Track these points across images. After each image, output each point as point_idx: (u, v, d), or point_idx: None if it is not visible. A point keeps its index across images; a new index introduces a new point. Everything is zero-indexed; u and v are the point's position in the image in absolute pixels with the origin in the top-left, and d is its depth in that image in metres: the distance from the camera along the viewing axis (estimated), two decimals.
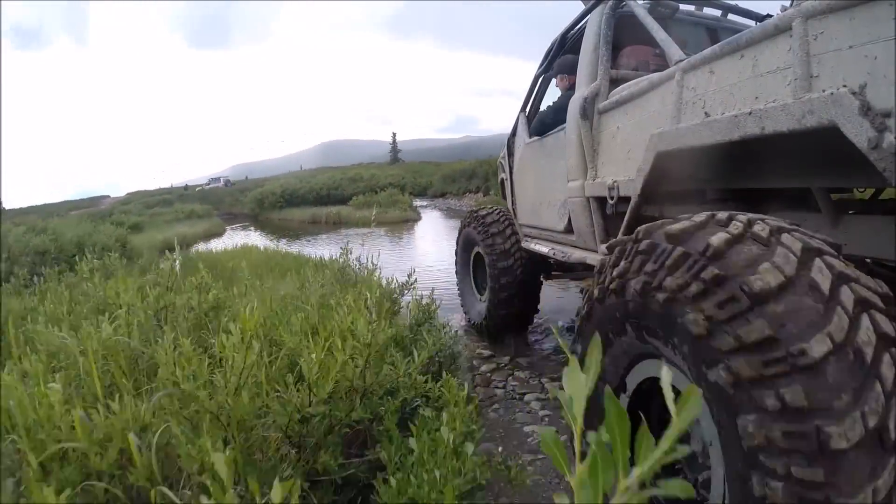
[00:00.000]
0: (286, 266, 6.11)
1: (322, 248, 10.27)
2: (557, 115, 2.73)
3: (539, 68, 3.24)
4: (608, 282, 1.32)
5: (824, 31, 1.02)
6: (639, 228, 1.28)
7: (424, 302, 2.73)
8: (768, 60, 1.18)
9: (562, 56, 2.91)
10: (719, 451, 1.03)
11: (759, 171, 1.46)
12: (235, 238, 15.28)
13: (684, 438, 1.36)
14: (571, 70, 2.70)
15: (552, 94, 3.13)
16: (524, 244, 3.45)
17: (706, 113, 1.39)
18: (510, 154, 3.64)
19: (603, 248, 2.22)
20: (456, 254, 4.48)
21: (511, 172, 3.62)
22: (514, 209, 3.63)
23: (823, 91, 0.99)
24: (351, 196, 21.24)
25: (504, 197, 3.93)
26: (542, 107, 3.33)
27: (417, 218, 16.84)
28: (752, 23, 2.65)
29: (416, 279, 3.15)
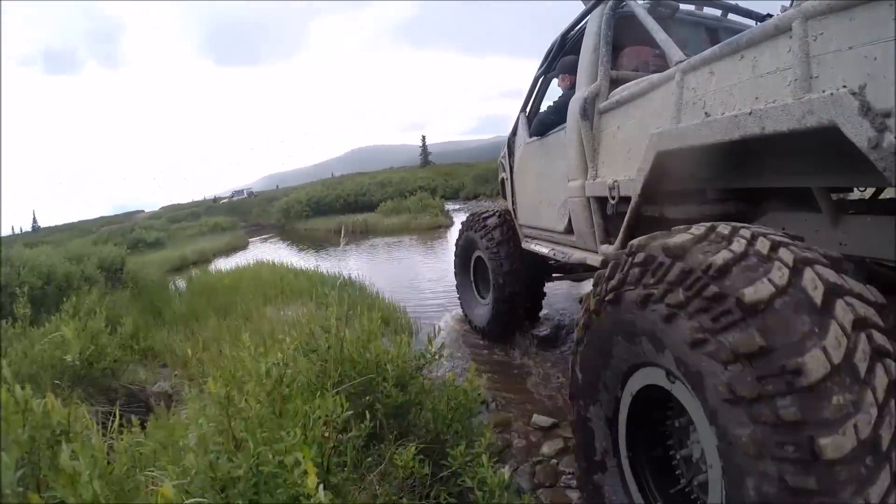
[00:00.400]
0: (295, 287, 5.85)
1: (343, 262, 9.74)
2: (557, 115, 2.73)
3: (539, 69, 3.24)
4: (604, 294, 1.33)
5: (824, 31, 1.02)
6: (633, 243, 1.30)
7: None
8: (768, 61, 1.19)
9: (563, 56, 2.91)
10: (717, 457, 1.03)
11: (759, 170, 1.46)
12: (256, 252, 14.52)
13: (683, 443, 1.36)
14: (573, 70, 2.71)
15: (552, 95, 3.14)
16: (524, 244, 3.45)
17: (706, 113, 1.39)
18: (510, 154, 3.65)
19: (605, 248, 2.22)
20: (455, 256, 4.49)
21: (511, 172, 3.62)
22: (514, 209, 3.63)
23: (823, 91, 0.99)
24: (380, 202, 19.84)
25: (504, 197, 3.94)
26: (543, 107, 3.33)
27: (449, 223, 15.02)
28: (752, 23, 2.65)
29: (442, 343, 2.47)
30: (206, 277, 7.82)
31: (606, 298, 1.32)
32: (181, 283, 7.82)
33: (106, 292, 5.49)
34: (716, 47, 1.38)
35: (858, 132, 0.90)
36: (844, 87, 0.95)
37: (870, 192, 2.05)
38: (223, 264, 11.36)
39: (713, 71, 1.39)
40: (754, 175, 1.49)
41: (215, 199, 46.51)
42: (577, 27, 2.70)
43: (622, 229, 1.91)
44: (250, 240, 19.72)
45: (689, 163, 1.49)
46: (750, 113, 1.15)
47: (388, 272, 8.06)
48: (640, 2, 2.22)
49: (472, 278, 4.29)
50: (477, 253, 4.03)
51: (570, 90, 2.76)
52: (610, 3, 2.25)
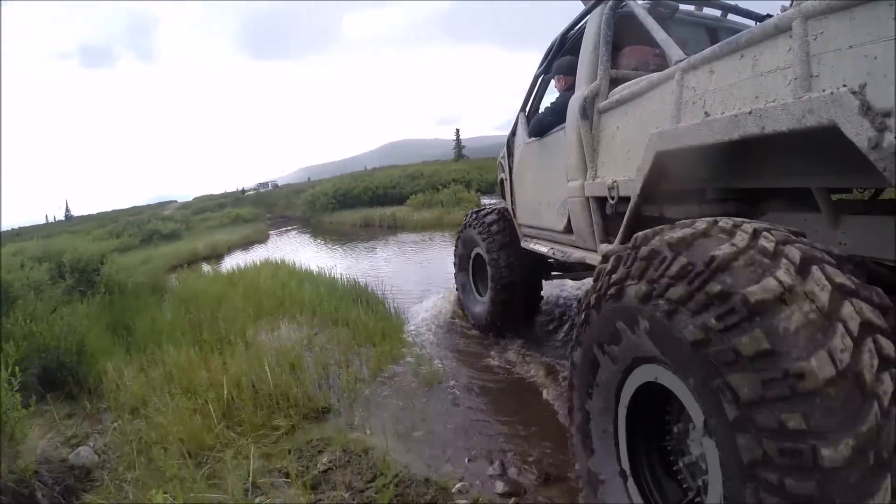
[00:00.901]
0: (296, 298, 5.10)
1: (365, 261, 8.83)
2: (555, 116, 2.73)
3: (539, 68, 3.24)
4: (605, 288, 1.32)
5: (824, 31, 1.02)
6: (637, 235, 1.29)
7: None
8: (768, 60, 1.18)
9: (561, 57, 2.91)
10: (717, 459, 1.03)
11: (759, 170, 1.46)
12: (273, 247, 13.65)
13: (683, 445, 1.36)
14: (569, 71, 2.71)
15: (552, 95, 3.13)
16: (523, 244, 3.46)
17: (706, 112, 1.38)
18: (510, 154, 3.65)
19: (604, 248, 2.22)
20: (455, 254, 4.52)
21: (510, 172, 3.63)
22: (513, 209, 3.64)
23: (823, 91, 0.99)
24: (410, 195, 18.33)
25: (503, 197, 3.94)
26: (542, 107, 3.33)
27: None
28: (752, 23, 2.65)
29: None
30: (196, 282, 6.84)
31: (608, 293, 1.31)
32: (178, 283, 7.15)
33: (64, 301, 4.73)
34: (716, 46, 1.38)
35: (858, 132, 0.90)
36: (844, 86, 0.94)
37: (870, 192, 2.05)
38: (235, 260, 10.49)
39: (713, 70, 1.39)
40: (754, 175, 1.48)
41: (243, 191, 46.40)
42: (577, 27, 2.69)
43: (621, 229, 1.91)
44: (271, 232, 18.84)
45: (688, 163, 1.49)
46: (750, 112, 1.15)
47: (415, 276, 6.98)
48: (640, 2, 2.22)
49: (471, 275, 4.32)
50: (476, 250, 4.06)
51: (566, 91, 2.76)
52: (610, 2, 2.25)
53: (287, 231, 19.07)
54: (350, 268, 7.75)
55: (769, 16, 2.43)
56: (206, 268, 10.73)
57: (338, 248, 11.57)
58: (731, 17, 2.75)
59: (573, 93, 2.41)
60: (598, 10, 2.34)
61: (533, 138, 3.07)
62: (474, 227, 3.94)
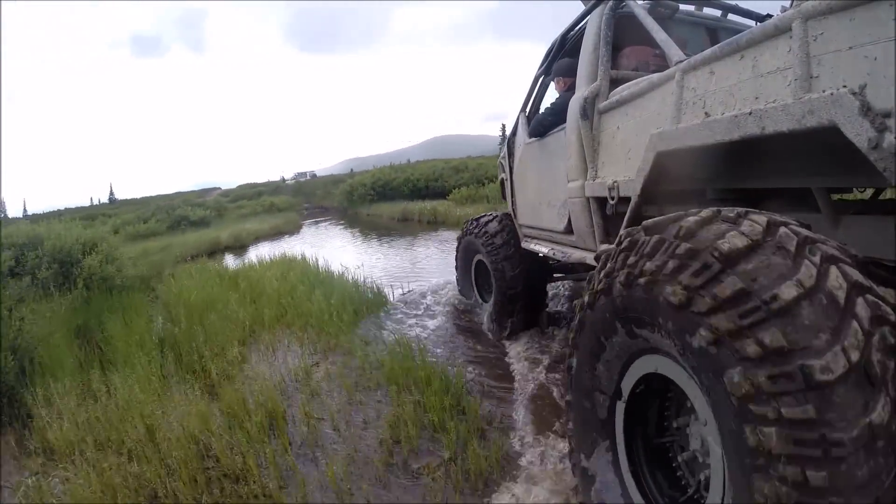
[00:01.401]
0: (304, 310, 4.24)
1: (395, 258, 7.85)
2: (555, 117, 2.73)
3: (539, 69, 3.24)
4: (596, 286, 1.33)
5: (824, 31, 1.02)
6: (621, 233, 1.31)
7: None
8: (768, 61, 1.18)
9: (560, 58, 2.92)
10: (720, 453, 1.03)
11: (759, 171, 1.46)
12: (302, 238, 12.84)
13: (683, 443, 1.36)
14: (568, 73, 2.72)
15: (552, 95, 3.14)
16: (524, 244, 3.46)
17: (706, 113, 1.39)
18: (510, 154, 3.65)
19: (605, 248, 2.22)
20: (456, 260, 4.54)
21: (511, 173, 3.63)
22: (513, 209, 3.65)
23: (823, 91, 0.99)
24: (453, 189, 16.95)
25: (504, 197, 3.95)
26: (542, 108, 3.33)
27: None
28: (752, 23, 2.65)
29: None
30: (191, 280, 5.93)
31: (599, 289, 1.32)
32: (175, 281, 6.08)
33: (37, 297, 4.26)
34: (716, 47, 1.38)
35: (858, 132, 0.90)
36: (844, 87, 0.94)
37: (870, 192, 2.05)
38: (257, 252, 9.64)
39: (713, 71, 1.39)
40: (754, 175, 1.49)
41: (283, 180, 46.28)
42: (577, 27, 2.69)
43: (622, 229, 1.91)
44: (304, 223, 17.98)
45: (688, 163, 1.49)
46: (750, 113, 1.15)
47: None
48: (640, 2, 2.22)
49: (473, 281, 4.33)
50: (478, 257, 4.06)
51: (566, 92, 2.77)
52: (610, 3, 2.25)
53: (320, 222, 18.03)
54: (378, 267, 6.83)
55: (769, 16, 2.44)
56: (249, 253, 10.16)
57: (371, 244, 10.45)
58: (731, 17, 2.75)
59: (573, 93, 2.42)
60: (598, 10, 2.34)
61: (533, 139, 3.07)
62: (476, 234, 3.95)
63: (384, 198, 20.08)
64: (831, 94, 0.95)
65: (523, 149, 3.31)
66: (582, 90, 2.29)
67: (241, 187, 43.53)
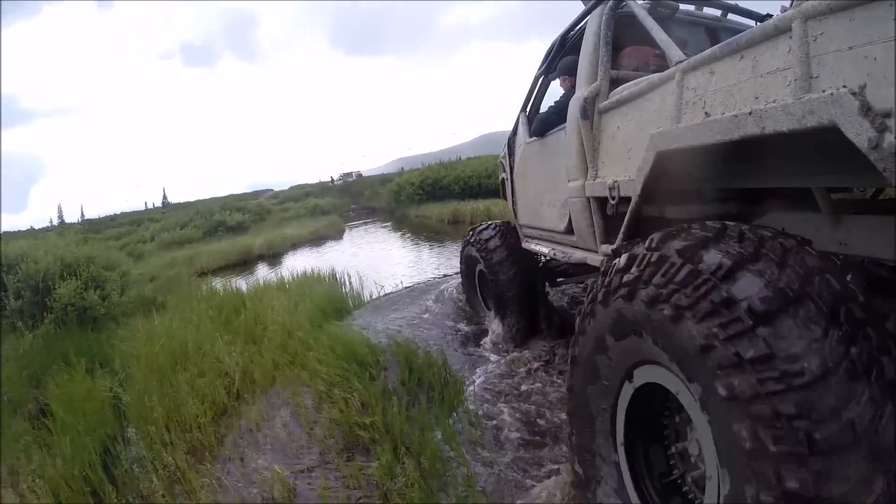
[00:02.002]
0: (310, 361, 3.22)
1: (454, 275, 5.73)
2: (559, 116, 2.73)
3: (539, 68, 3.24)
4: (615, 286, 1.33)
5: (824, 31, 1.02)
6: (653, 236, 1.31)
7: None
8: (768, 61, 1.18)
9: (564, 57, 2.91)
10: (714, 458, 1.04)
11: (759, 170, 1.46)
12: (343, 246, 11.62)
13: (679, 437, 1.36)
14: (573, 72, 2.71)
15: (552, 95, 3.14)
16: (524, 244, 3.47)
17: (706, 113, 1.39)
18: (510, 154, 3.65)
19: (606, 248, 2.22)
20: (461, 269, 4.60)
21: (511, 172, 3.63)
22: (514, 209, 3.65)
23: (823, 91, 0.99)
24: None
25: (504, 197, 3.95)
26: (543, 107, 3.33)
27: None
28: (752, 23, 2.65)
29: None
30: (173, 311, 4.85)
31: (618, 293, 1.32)
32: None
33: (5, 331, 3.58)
34: (716, 47, 1.38)
35: (858, 132, 0.90)
36: (844, 87, 0.95)
37: (870, 192, 2.05)
38: (290, 262, 8.95)
39: (713, 71, 1.39)
40: (754, 175, 1.49)
41: (332, 181, 46.10)
42: (577, 27, 2.69)
43: (622, 229, 1.91)
44: (348, 225, 16.88)
45: (689, 163, 1.49)
46: (750, 113, 1.15)
47: None
48: (640, 2, 2.22)
49: (478, 291, 4.35)
50: (479, 267, 4.07)
51: (571, 90, 2.76)
52: (610, 3, 2.25)
53: (366, 224, 16.96)
54: (432, 297, 5.09)
55: (769, 16, 2.44)
56: (281, 264, 9.27)
57: (420, 252, 9.00)
58: (731, 16, 2.75)
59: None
60: (598, 10, 2.34)
61: (534, 138, 3.07)
62: (474, 245, 3.97)
63: (433, 197, 18.85)
64: (831, 94, 0.95)
65: (524, 148, 3.31)
66: (582, 90, 2.29)
67: (291, 189, 42.81)
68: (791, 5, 1.20)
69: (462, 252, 4.39)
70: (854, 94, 0.91)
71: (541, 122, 2.94)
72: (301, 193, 33.06)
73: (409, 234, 12.27)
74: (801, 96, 1.04)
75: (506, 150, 3.73)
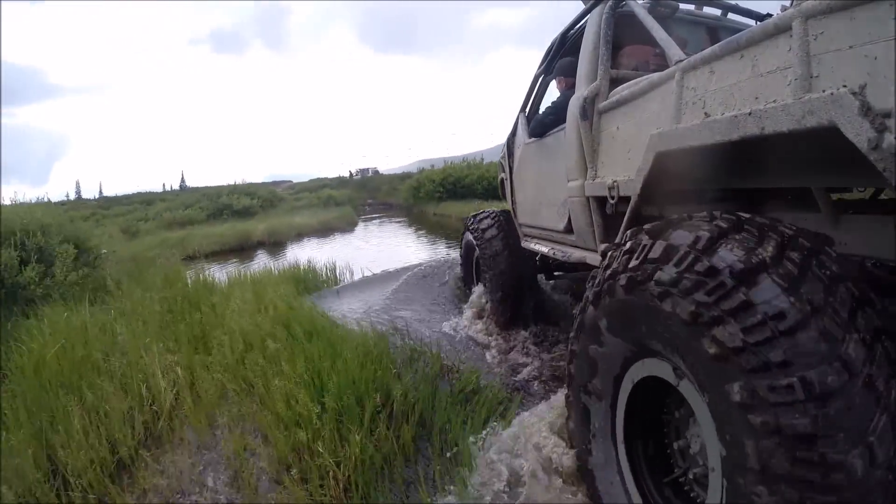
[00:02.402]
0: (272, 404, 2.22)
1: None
2: (556, 116, 2.73)
3: (538, 68, 3.23)
4: (621, 275, 1.32)
5: (824, 31, 1.02)
6: (647, 228, 1.31)
7: None
8: (768, 60, 1.18)
9: (561, 57, 2.91)
10: (719, 461, 1.04)
11: (759, 170, 1.46)
12: (351, 238, 10.86)
13: (679, 433, 1.36)
14: (570, 72, 2.71)
15: (552, 95, 3.13)
16: (524, 243, 3.47)
17: (706, 113, 1.38)
18: (510, 154, 3.65)
19: (605, 248, 2.22)
20: (461, 257, 4.65)
21: (511, 172, 3.63)
22: (513, 209, 3.65)
23: (823, 91, 0.99)
24: None
25: (503, 197, 3.96)
26: (542, 107, 3.33)
27: None
28: (752, 22, 2.65)
29: None
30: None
31: (619, 283, 1.32)
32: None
33: None
34: (716, 46, 1.38)
35: (858, 132, 0.90)
36: (845, 86, 0.94)
37: (870, 191, 2.04)
38: (292, 253, 8.24)
39: (713, 70, 1.39)
40: (754, 175, 1.48)
41: (351, 175, 45.86)
42: (577, 27, 2.69)
43: (622, 229, 1.91)
44: (361, 218, 16.12)
45: (688, 163, 1.49)
46: (749, 113, 1.15)
47: None
48: (640, 1, 2.22)
49: (474, 276, 4.37)
50: (476, 253, 4.09)
51: (566, 91, 2.77)
52: (610, 2, 2.25)
53: (380, 220, 15.95)
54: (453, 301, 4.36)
55: (769, 15, 2.43)
56: (286, 252, 8.46)
57: (437, 251, 7.65)
58: (731, 16, 2.75)
59: (574, 92, 2.41)
60: (598, 9, 2.34)
61: (533, 138, 3.07)
62: (471, 231, 4.03)
63: (454, 196, 17.90)
64: (831, 94, 0.95)
65: (523, 148, 3.31)
66: (582, 90, 2.29)
67: (311, 181, 42.09)
68: (791, 4, 1.20)
69: (462, 237, 4.48)
70: (854, 93, 0.91)
71: (538, 123, 2.93)
72: (318, 186, 32.53)
73: (423, 232, 11.22)
74: (801, 96, 1.04)
75: (505, 150, 3.73)
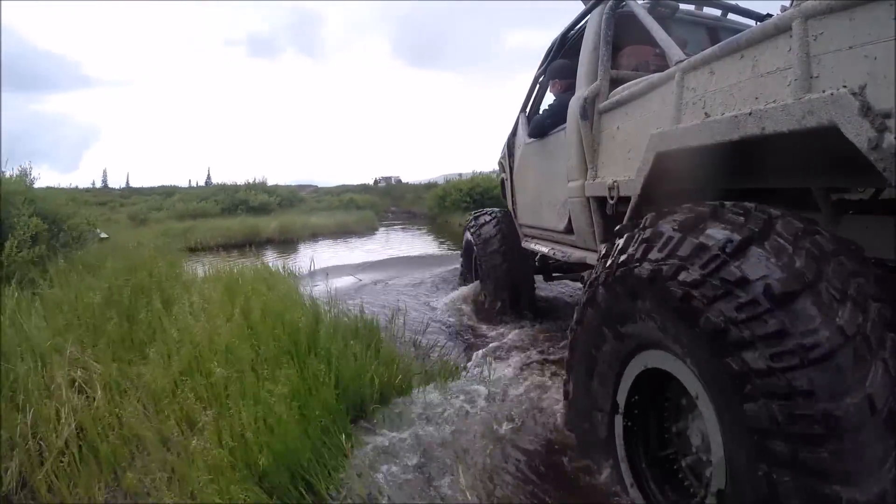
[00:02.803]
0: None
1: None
2: (553, 119, 2.73)
3: (539, 68, 3.24)
4: (626, 263, 1.32)
5: (824, 31, 1.02)
6: (647, 217, 1.33)
7: None
8: (768, 61, 1.18)
9: (562, 58, 2.91)
10: (720, 445, 1.04)
11: (759, 171, 1.46)
12: (369, 245, 9.73)
13: (681, 433, 1.36)
14: (563, 75, 2.72)
15: (552, 96, 3.13)
16: (524, 244, 3.47)
17: (706, 113, 1.38)
18: (510, 154, 3.65)
19: (603, 247, 2.22)
20: (461, 257, 4.74)
21: (511, 172, 3.63)
22: (514, 209, 3.65)
23: (823, 91, 0.99)
24: None
25: (504, 197, 3.96)
26: (542, 108, 3.33)
27: None
28: (752, 23, 2.65)
29: None
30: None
31: (617, 273, 1.32)
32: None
33: None
34: (716, 47, 1.38)
35: (858, 132, 0.90)
36: (845, 87, 0.94)
37: (870, 191, 2.04)
38: (303, 251, 8.01)
39: (713, 71, 1.39)
40: (754, 175, 1.49)
41: (376, 182, 45.76)
42: (577, 27, 2.69)
43: None
44: (382, 224, 15.38)
45: (688, 163, 1.49)
46: (750, 113, 1.15)
47: None
48: (640, 2, 2.22)
49: (474, 273, 4.40)
50: (473, 254, 4.13)
51: (561, 94, 2.78)
52: (610, 2, 2.25)
53: (402, 227, 14.97)
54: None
55: (769, 16, 2.43)
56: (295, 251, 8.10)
57: (455, 264, 5.79)
58: (731, 16, 2.75)
59: (568, 95, 2.42)
60: (598, 10, 2.34)
61: (533, 139, 3.07)
62: (470, 231, 4.11)
63: (482, 206, 16.69)
64: (831, 94, 0.95)
65: (523, 149, 3.31)
66: (582, 90, 2.29)
67: (336, 187, 41.28)
68: (791, 5, 1.20)
69: (463, 236, 4.57)
70: (854, 94, 0.91)
71: (536, 124, 2.94)
72: (342, 191, 32.05)
73: (446, 244, 10.20)
74: (801, 96, 1.04)
75: (505, 150, 3.73)
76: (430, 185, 26.32)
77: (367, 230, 13.16)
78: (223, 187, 19.17)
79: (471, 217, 4.26)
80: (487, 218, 4.00)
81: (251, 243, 9.39)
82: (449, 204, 18.41)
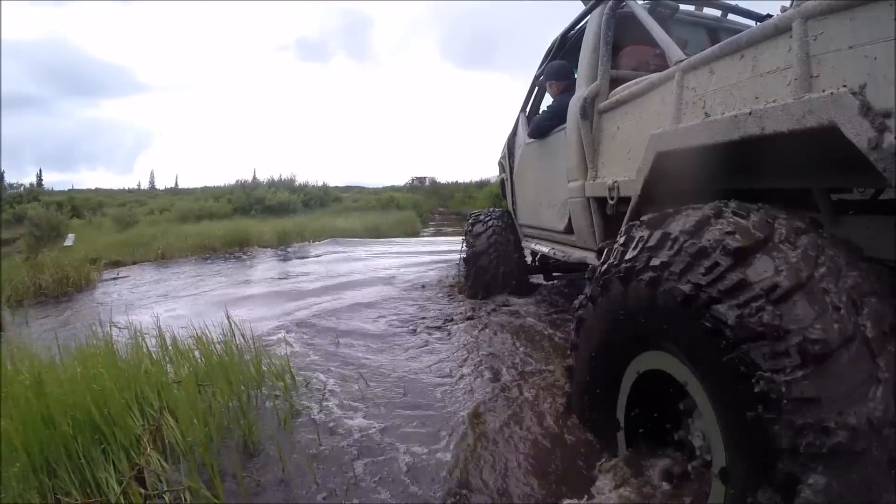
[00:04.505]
0: None
1: None
2: (552, 120, 2.74)
3: (539, 69, 3.24)
4: (630, 262, 1.31)
5: (824, 31, 1.02)
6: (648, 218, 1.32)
7: None
8: (768, 60, 1.18)
9: (553, 61, 2.92)
10: (721, 447, 1.04)
11: (759, 171, 1.46)
12: (409, 258, 6.83)
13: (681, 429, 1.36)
14: (559, 77, 2.72)
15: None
16: (524, 244, 3.48)
17: (706, 113, 1.38)
18: (510, 154, 3.66)
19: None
20: (461, 252, 4.66)
21: (511, 173, 3.64)
22: (514, 209, 3.66)
23: (823, 91, 0.99)
24: None
25: (504, 197, 3.97)
26: (542, 108, 3.33)
27: None
28: (752, 23, 2.65)
29: None
30: None
31: (620, 273, 1.31)
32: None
33: None
34: (716, 46, 1.38)
35: (858, 132, 0.90)
36: (845, 86, 0.94)
37: (870, 192, 2.04)
38: (299, 265, 6.44)
39: (713, 70, 1.39)
40: (754, 175, 1.48)
41: (420, 181, 45.49)
42: (577, 27, 2.69)
43: (622, 229, 1.91)
44: (429, 226, 13.58)
45: (688, 163, 1.49)
46: (750, 113, 1.15)
47: None
48: (640, 2, 2.22)
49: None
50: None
51: (558, 95, 2.78)
52: (610, 3, 2.25)
53: (455, 231, 10.75)
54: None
55: (769, 16, 2.43)
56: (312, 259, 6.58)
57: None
58: (731, 16, 2.75)
59: (568, 95, 2.42)
60: (598, 10, 2.34)
61: (533, 139, 3.07)
62: (466, 230, 4.15)
63: None
64: (831, 93, 0.95)
65: (523, 149, 3.31)
66: (582, 90, 2.29)
67: (383, 188, 41.44)
68: (791, 5, 1.20)
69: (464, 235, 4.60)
70: (854, 93, 0.91)
71: (536, 124, 2.94)
72: (384, 189, 31.11)
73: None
74: (801, 96, 1.04)
75: (505, 150, 3.73)
76: (481, 184, 24.26)
77: (403, 234, 10.53)
78: (242, 185, 17.84)
79: (469, 216, 4.27)
80: (484, 217, 4.03)
81: (242, 244, 8.20)
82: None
